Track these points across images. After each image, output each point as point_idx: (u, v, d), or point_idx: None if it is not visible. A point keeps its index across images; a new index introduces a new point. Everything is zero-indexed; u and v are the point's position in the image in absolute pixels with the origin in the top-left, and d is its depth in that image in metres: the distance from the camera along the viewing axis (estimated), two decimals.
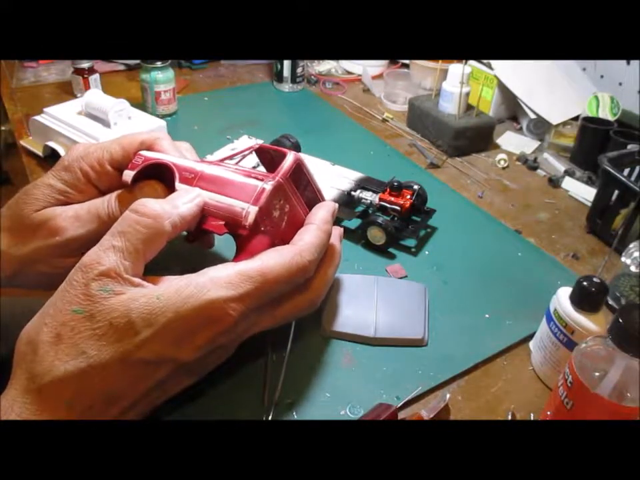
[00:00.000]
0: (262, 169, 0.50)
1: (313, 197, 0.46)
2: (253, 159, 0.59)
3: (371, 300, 0.51)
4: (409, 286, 0.54)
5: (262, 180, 0.40)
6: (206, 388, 0.42)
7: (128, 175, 0.41)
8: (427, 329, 0.49)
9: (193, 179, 0.40)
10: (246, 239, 0.40)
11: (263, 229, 0.39)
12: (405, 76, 1.04)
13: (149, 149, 0.43)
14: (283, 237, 0.41)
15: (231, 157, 0.47)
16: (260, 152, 0.48)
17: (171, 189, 0.42)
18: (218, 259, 0.54)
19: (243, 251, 0.40)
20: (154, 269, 0.35)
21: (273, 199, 0.39)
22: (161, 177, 0.42)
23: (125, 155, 0.42)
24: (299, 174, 0.43)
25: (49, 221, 0.39)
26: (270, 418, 0.41)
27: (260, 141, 0.74)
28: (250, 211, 0.38)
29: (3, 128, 1.00)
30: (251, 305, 0.34)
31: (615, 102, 0.85)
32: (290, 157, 0.42)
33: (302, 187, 0.44)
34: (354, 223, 0.62)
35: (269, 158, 0.49)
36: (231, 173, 0.41)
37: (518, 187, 0.78)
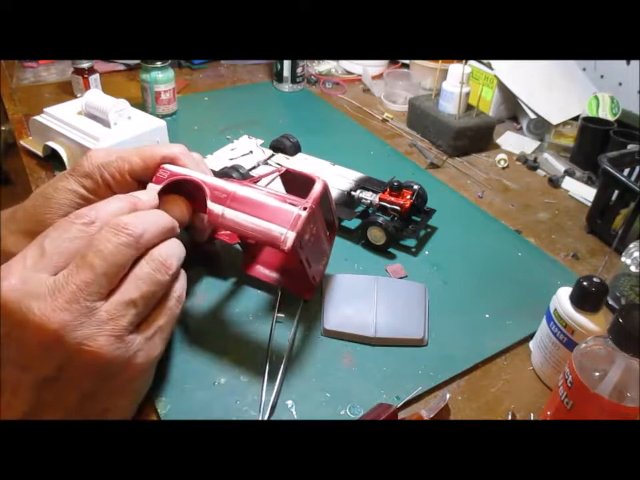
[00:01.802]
0: (279, 185, 0.53)
1: (329, 217, 0.49)
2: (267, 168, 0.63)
3: (371, 300, 0.51)
4: (408, 286, 0.54)
5: (295, 205, 0.41)
6: (206, 387, 0.42)
7: (153, 190, 0.41)
8: (427, 329, 0.49)
9: (226, 199, 0.42)
10: (256, 247, 0.45)
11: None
12: (405, 76, 1.04)
13: (170, 163, 0.43)
14: (307, 255, 0.44)
15: (257, 180, 0.49)
16: (285, 175, 0.50)
17: (196, 205, 0.43)
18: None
19: (255, 259, 0.47)
20: None
21: (308, 224, 0.41)
22: (184, 192, 0.43)
23: (145, 167, 0.42)
24: (324, 198, 0.45)
25: None
26: (270, 418, 0.41)
27: (260, 141, 0.74)
28: (288, 237, 0.40)
29: (3, 128, 1.00)
30: None
31: (614, 102, 0.85)
32: (319, 184, 0.44)
33: (324, 210, 0.47)
34: (354, 223, 0.62)
35: (292, 180, 0.50)
36: (264, 196, 0.42)
37: (518, 187, 0.78)
